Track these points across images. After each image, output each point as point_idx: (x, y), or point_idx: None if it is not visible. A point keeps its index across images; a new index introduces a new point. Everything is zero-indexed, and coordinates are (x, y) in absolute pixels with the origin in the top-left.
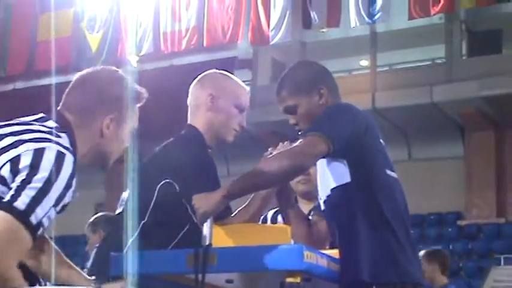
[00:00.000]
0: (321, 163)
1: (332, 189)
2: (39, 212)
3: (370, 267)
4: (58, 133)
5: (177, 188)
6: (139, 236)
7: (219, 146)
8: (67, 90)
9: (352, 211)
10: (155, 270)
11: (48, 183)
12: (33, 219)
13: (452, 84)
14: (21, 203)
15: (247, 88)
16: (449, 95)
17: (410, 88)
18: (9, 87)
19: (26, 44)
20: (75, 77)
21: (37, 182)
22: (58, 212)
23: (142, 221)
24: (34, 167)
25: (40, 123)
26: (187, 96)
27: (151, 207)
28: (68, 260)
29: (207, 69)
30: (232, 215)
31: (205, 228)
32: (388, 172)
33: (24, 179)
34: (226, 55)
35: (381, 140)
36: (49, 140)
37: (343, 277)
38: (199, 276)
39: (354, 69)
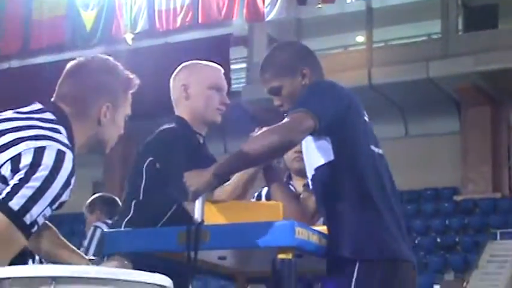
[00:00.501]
0: (306, 141)
1: (316, 168)
2: (34, 212)
3: (353, 243)
4: (56, 127)
5: (158, 165)
6: (133, 215)
7: (210, 127)
8: (60, 80)
9: (336, 188)
10: (147, 248)
11: (46, 182)
12: (28, 219)
13: (449, 60)
14: (15, 202)
15: (219, 68)
16: (446, 70)
17: (407, 64)
18: (5, 66)
19: (20, 23)
20: (67, 67)
21: (35, 181)
22: (55, 209)
23: (135, 201)
24: (34, 166)
25: (38, 116)
26: None
27: (142, 187)
28: (65, 240)
29: (202, 47)
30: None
31: (197, 206)
32: (373, 148)
33: (22, 178)
34: (221, 32)
35: (365, 117)
36: (49, 138)
37: (328, 253)
38: (192, 253)
39: (350, 45)
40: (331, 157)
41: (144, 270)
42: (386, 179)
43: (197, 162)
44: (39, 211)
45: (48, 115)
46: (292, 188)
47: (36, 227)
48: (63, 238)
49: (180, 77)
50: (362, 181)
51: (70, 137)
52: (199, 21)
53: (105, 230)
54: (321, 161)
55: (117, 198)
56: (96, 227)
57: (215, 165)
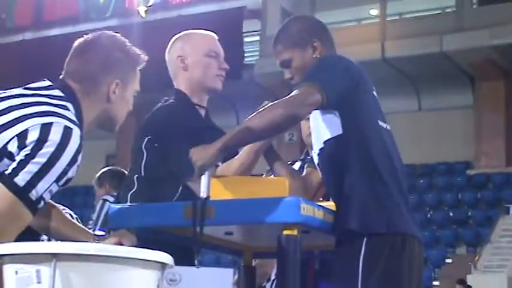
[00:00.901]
0: (314, 115)
1: (325, 142)
2: (40, 188)
3: (361, 217)
4: (64, 104)
5: (156, 144)
6: (137, 189)
7: (211, 95)
8: (68, 58)
9: (344, 162)
10: (153, 223)
11: (52, 159)
12: (33, 195)
13: (463, 33)
14: (21, 178)
15: (213, 34)
16: (460, 44)
17: (420, 37)
18: (19, 38)
19: None
20: (75, 44)
21: (41, 157)
22: (61, 186)
23: (137, 175)
24: (40, 142)
25: (46, 93)
26: None
27: (143, 164)
28: (70, 218)
29: (215, 20)
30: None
31: (203, 181)
32: (380, 123)
33: (28, 154)
34: (235, 5)
35: (374, 92)
36: (57, 114)
37: (336, 227)
38: (198, 228)
39: (364, 18)
40: (340, 131)
41: (150, 245)
42: (394, 154)
43: (198, 136)
44: (45, 187)
45: (56, 92)
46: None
47: (42, 203)
48: (67, 215)
49: (175, 48)
50: (370, 155)
51: (78, 114)
52: None
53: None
54: (329, 134)
55: (126, 172)
56: (104, 200)
57: (220, 139)
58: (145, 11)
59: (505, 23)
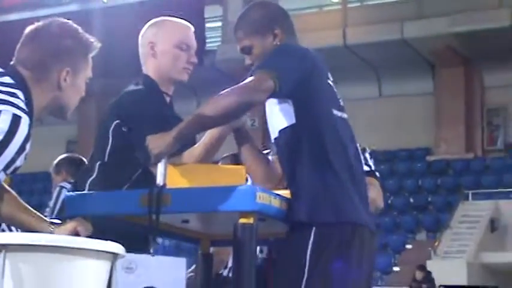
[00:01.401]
0: (270, 104)
1: (279, 131)
2: None
3: (309, 207)
4: (14, 91)
5: (124, 128)
6: (96, 177)
7: (178, 86)
8: (19, 45)
9: (296, 151)
10: (109, 211)
11: (0, 147)
12: None
13: (423, 21)
14: None
15: (189, 25)
16: (420, 31)
17: (381, 24)
18: None
19: None
20: (26, 31)
21: None
22: (10, 174)
23: (99, 162)
24: None
25: None
26: None
27: (108, 148)
28: (25, 204)
29: (177, 5)
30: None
31: (160, 169)
32: (335, 112)
33: None
34: None
35: (329, 80)
36: (6, 102)
37: (287, 218)
38: (154, 216)
39: (325, 4)
40: (293, 120)
41: (106, 233)
42: (349, 144)
43: (164, 123)
44: None
45: (6, 79)
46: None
47: None
48: (23, 202)
49: (148, 34)
50: (321, 145)
51: (28, 101)
52: None
53: (70, 190)
54: (284, 123)
55: (84, 159)
56: (62, 188)
57: (176, 127)
58: None
59: (465, 11)
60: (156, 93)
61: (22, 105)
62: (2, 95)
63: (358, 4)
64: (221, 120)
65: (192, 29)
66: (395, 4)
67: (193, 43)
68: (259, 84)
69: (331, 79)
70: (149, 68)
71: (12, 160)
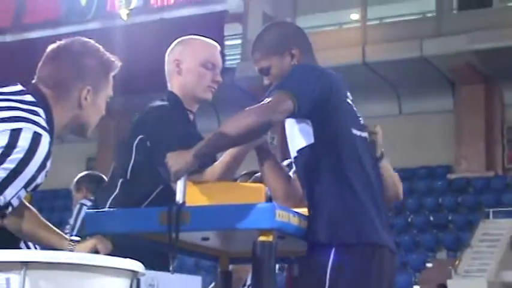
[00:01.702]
0: (289, 124)
1: (298, 151)
2: (8, 194)
3: (329, 228)
4: (35, 109)
5: (148, 143)
6: (118, 194)
7: (201, 104)
8: (41, 63)
9: (316, 171)
10: (128, 229)
11: (21, 165)
12: (1, 200)
13: (442, 38)
14: None
15: (215, 44)
16: (439, 49)
17: (401, 42)
18: None
19: None
20: (48, 49)
21: (10, 163)
22: (30, 191)
23: (121, 179)
24: (9, 148)
25: (18, 98)
26: None
27: (131, 165)
28: (45, 221)
29: (197, 23)
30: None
31: (179, 186)
32: (354, 131)
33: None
34: (217, 9)
35: (349, 100)
36: (27, 120)
37: (307, 237)
38: (173, 234)
39: (345, 22)
40: (312, 140)
41: (126, 251)
42: (368, 163)
43: (188, 140)
44: (13, 193)
45: (28, 97)
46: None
47: (10, 209)
48: (43, 219)
49: (175, 51)
50: (341, 164)
51: (49, 119)
52: None
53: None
54: (303, 143)
55: (104, 177)
56: (82, 205)
57: (196, 146)
58: (127, 14)
59: (484, 28)
60: (181, 110)
61: (43, 123)
62: (24, 112)
63: (378, 22)
64: (240, 140)
65: (219, 48)
66: (414, 22)
67: (219, 62)
68: (278, 105)
69: (350, 98)
70: (174, 85)
71: (33, 177)
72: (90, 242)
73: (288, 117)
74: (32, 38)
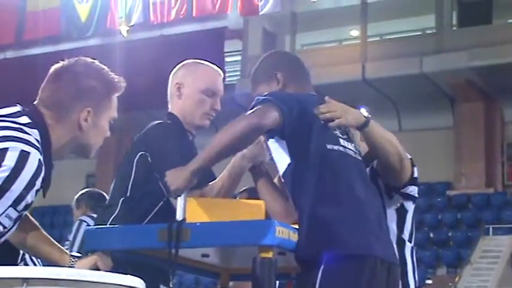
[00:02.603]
0: (271, 146)
1: (284, 172)
2: None
3: (314, 245)
4: (25, 128)
5: (149, 159)
6: (119, 212)
7: (197, 130)
8: (43, 84)
9: (298, 190)
10: (128, 245)
11: (6, 184)
12: None
13: (442, 55)
14: None
15: (219, 71)
16: (439, 65)
17: (400, 58)
18: (0, 56)
19: (14, 14)
20: (51, 70)
21: None
22: (21, 211)
23: (122, 198)
24: None
25: (12, 120)
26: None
27: (131, 182)
28: (48, 235)
29: (197, 40)
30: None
31: (179, 203)
32: (329, 147)
33: None
34: (217, 25)
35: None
36: (15, 139)
37: (296, 256)
38: (173, 251)
39: (344, 39)
40: (289, 160)
41: (126, 267)
42: (351, 175)
43: (189, 157)
44: (1, 209)
45: (23, 119)
46: None
47: (0, 228)
48: (45, 233)
49: (178, 74)
50: (320, 181)
51: (45, 140)
52: (194, 14)
53: (90, 224)
54: (285, 164)
55: (104, 194)
56: (81, 221)
57: (192, 162)
58: (127, 30)
59: (484, 45)
60: (180, 129)
61: (33, 141)
62: (12, 131)
63: (378, 38)
64: (234, 146)
65: (222, 75)
66: (414, 38)
67: (220, 90)
68: (267, 111)
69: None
70: (174, 107)
71: (21, 196)
72: (90, 259)
73: (272, 130)
74: (33, 54)
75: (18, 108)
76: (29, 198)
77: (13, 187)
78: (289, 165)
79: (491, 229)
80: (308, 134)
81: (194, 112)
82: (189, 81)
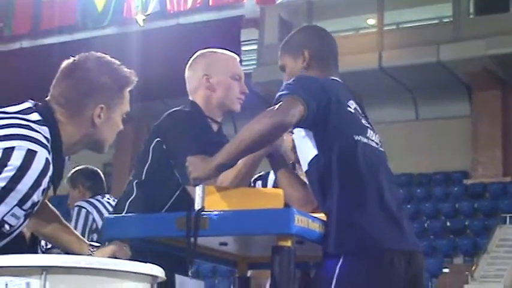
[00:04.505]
0: (297, 138)
1: (308, 164)
2: (1, 211)
3: (336, 237)
4: (35, 126)
5: (164, 146)
6: (136, 197)
7: (226, 115)
8: (55, 80)
9: (324, 182)
10: (147, 234)
11: (12, 182)
12: None
13: (459, 43)
14: None
15: (236, 56)
16: (456, 53)
17: (417, 47)
18: (16, 45)
19: (31, 3)
20: (62, 66)
21: (1, 181)
22: (27, 210)
23: (136, 181)
24: (0, 167)
25: (22, 116)
26: (193, 55)
27: (146, 167)
28: (67, 224)
29: (213, 29)
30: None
31: (198, 192)
32: (357, 138)
33: None
34: (233, 14)
35: (350, 108)
36: (22, 137)
37: (322, 249)
38: (192, 239)
39: (361, 28)
40: (316, 151)
41: (144, 255)
42: (376, 168)
43: (206, 147)
44: (5, 211)
45: (34, 116)
46: None
47: (7, 227)
48: (65, 221)
49: (201, 66)
50: (347, 173)
51: (56, 137)
52: (210, 3)
53: (89, 210)
54: (310, 156)
55: (99, 171)
56: (80, 208)
57: (216, 155)
58: (144, 19)
59: (501, 33)
60: (201, 117)
61: (42, 139)
62: (21, 129)
63: (394, 27)
64: (259, 144)
65: (238, 59)
66: (431, 27)
67: (242, 73)
68: (290, 108)
69: (353, 107)
70: (199, 97)
71: (27, 195)
72: (109, 248)
73: (298, 122)
74: (49, 43)
75: (29, 104)
76: (35, 197)
77: (19, 186)
78: (315, 156)
79: (508, 218)
80: (335, 124)
81: (226, 98)
82: (217, 70)
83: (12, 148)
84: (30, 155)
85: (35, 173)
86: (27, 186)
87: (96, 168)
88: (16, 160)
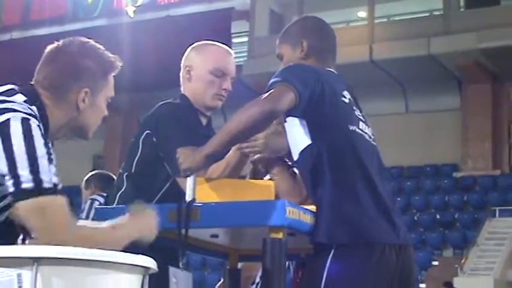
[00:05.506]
0: (288, 127)
1: (300, 153)
2: (44, 172)
3: (327, 229)
4: (27, 106)
5: (154, 139)
6: (126, 189)
7: (209, 111)
8: (39, 65)
9: (315, 172)
10: None
11: (28, 149)
12: (46, 183)
13: (450, 36)
14: (25, 182)
15: (229, 51)
16: (447, 47)
17: (408, 40)
18: (6, 37)
19: None
20: (46, 50)
21: (19, 151)
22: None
23: (126, 173)
24: (6, 141)
25: (6, 96)
26: (183, 47)
27: (136, 159)
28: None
29: (204, 20)
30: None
31: (189, 183)
32: (352, 128)
33: (6, 156)
34: (224, 6)
35: (345, 99)
36: (10, 110)
37: (311, 240)
38: (183, 231)
39: (352, 20)
40: (309, 141)
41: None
42: (368, 158)
43: (195, 140)
44: (45, 170)
45: (18, 97)
46: None
47: (60, 184)
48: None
49: (188, 57)
50: (340, 163)
51: (43, 118)
52: None
53: (102, 202)
54: (302, 145)
55: (113, 175)
56: (93, 200)
57: (206, 146)
58: (134, 11)
59: (492, 26)
60: (190, 109)
61: (27, 110)
62: (7, 104)
63: (385, 20)
64: (249, 132)
65: (232, 55)
66: (422, 20)
67: (230, 69)
68: (281, 95)
69: (348, 97)
70: (185, 89)
71: (48, 152)
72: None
73: (289, 111)
74: (39, 34)
75: (11, 86)
76: (52, 153)
77: (36, 145)
78: (308, 145)
79: (497, 211)
80: (329, 114)
81: (204, 93)
82: (198, 63)
83: (8, 120)
84: (26, 121)
85: (38, 136)
86: (42, 144)
87: (110, 173)
88: (17, 130)
